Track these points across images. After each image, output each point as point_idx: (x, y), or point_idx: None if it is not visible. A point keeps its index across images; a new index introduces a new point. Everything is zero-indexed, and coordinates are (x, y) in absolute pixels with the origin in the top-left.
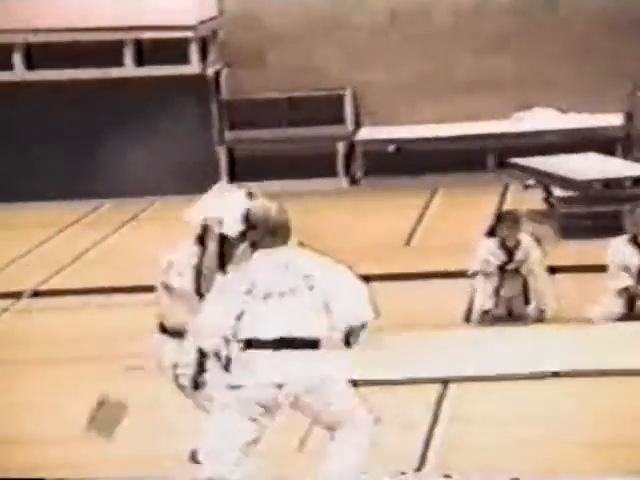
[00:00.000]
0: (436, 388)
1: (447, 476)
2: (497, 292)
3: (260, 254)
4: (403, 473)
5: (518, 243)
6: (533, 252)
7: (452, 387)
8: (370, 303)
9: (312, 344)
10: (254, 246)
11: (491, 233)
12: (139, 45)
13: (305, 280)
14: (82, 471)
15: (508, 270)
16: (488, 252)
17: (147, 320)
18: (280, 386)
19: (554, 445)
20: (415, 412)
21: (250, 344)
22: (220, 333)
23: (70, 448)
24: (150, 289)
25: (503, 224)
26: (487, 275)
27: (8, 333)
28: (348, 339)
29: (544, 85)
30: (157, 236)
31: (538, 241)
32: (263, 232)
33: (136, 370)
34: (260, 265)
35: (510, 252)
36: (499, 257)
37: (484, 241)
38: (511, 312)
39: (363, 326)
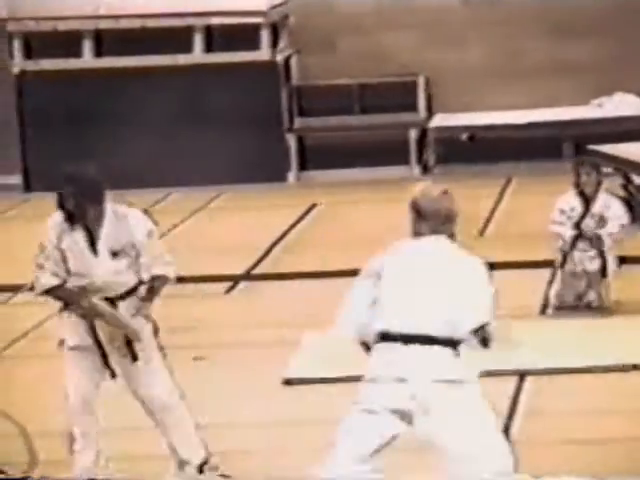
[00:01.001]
0: (513, 381)
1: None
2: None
3: (406, 242)
4: None
5: (596, 193)
6: (613, 205)
7: (529, 380)
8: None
9: (445, 342)
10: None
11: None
12: (209, 31)
13: (436, 275)
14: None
15: (585, 233)
16: (564, 202)
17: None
18: (407, 383)
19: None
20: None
21: (383, 336)
22: (358, 320)
23: None
24: (223, 278)
25: (582, 169)
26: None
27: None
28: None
29: (624, 70)
30: (227, 225)
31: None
32: (430, 221)
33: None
34: (398, 254)
35: (587, 202)
36: (576, 208)
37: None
38: (581, 299)
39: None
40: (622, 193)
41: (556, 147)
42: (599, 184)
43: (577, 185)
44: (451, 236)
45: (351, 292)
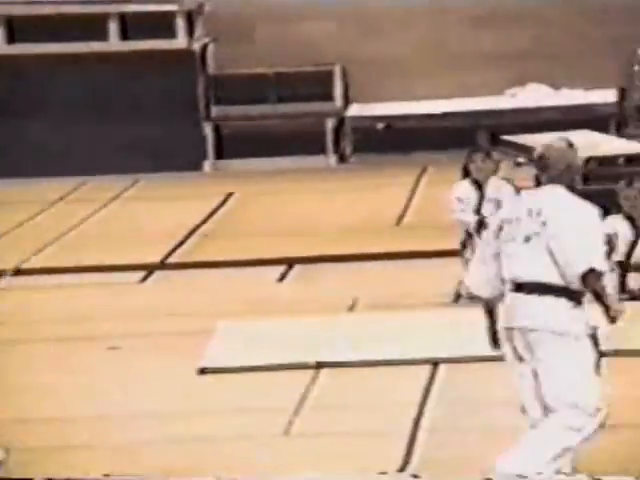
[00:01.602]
0: (426, 369)
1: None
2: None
3: (524, 192)
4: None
5: (487, 178)
6: (504, 188)
7: (442, 368)
8: (599, 255)
9: (560, 291)
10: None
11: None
12: (124, 19)
13: (543, 227)
14: (64, 452)
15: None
16: (459, 190)
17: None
18: (532, 330)
19: None
20: (405, 393)
21: (509, 286)
22: (489, 278)
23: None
24: (137, 267)
25: (475, 156)
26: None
27: None
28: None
29: (538, 61)
30: (142, 215)
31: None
32: (550, 170)
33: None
34: (515, 206)
35: (480, 188)
36: (471, 195)
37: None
38: None
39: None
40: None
41: (471, 136)
42: (494, 171)
43: (469, 173)
44: (570, 187)
45: (479, 251)
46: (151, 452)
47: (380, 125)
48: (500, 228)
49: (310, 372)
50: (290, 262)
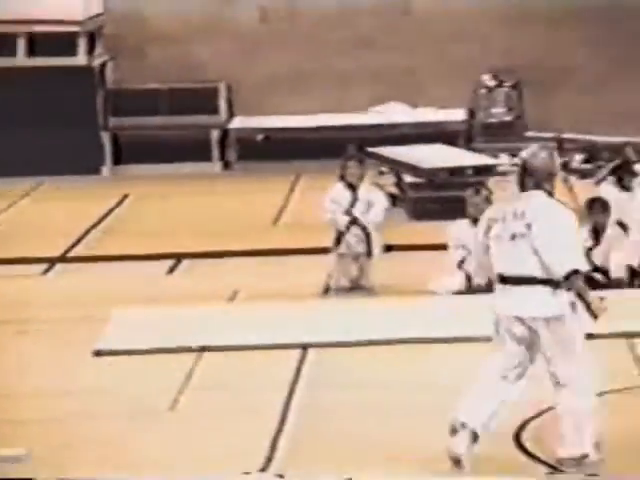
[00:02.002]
0: (297, 353)
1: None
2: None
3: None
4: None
5: (359, 182)
6: (375, 192)
7: (311, 352)
8: (580, 255)
9: (545, 282)
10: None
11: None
12: (31, 38)
13: (527, 229)
14: None
15: (357, 219)
16: (334, 192)
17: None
18: (521, 320)
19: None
20: (278, 374)
21: (499, 279)
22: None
23: None
24: (40, 260)
25: (350, 163)
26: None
27: None
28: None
29: (398, 82)
30: (45, 213)
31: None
32: (534, 176)
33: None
34: (501, 207)
35: (354, 190)
36: (345, 196)
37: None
38: (354, 281)
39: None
40: (395, 189)
41: (341, 148)
42: (362, 176)
43: (343, 177)
44: (549, 192)
45: (475, 245)
46: (41, 428)
47: (260, 136)
48: (489, 227)
49: (194, 355)
50: (178, 257)
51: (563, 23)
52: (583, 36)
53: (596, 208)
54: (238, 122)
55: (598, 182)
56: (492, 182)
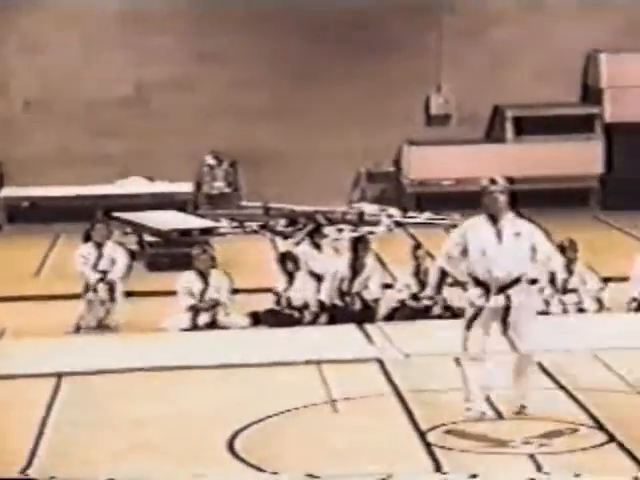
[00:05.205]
0: (52, 381)
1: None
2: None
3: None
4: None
5: (106, 240)
6: (118, 250)
7: (65, 380)
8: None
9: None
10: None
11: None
12: None
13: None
14: None
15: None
16: (83, 249)
17: None
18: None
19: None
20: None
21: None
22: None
23: None
24: None
25: (96, 225)
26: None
27: None
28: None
29: (138, 159)
30: None
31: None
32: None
33: None
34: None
35: (100, 248)
36: (91, 253)
37: None
38: (101, 321)
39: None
40: (136, 246)
41: (92, 212)
42: (109, 236)
43: (89, 237)
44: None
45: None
46: None
47: (25, 203)
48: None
49: None
50: None
51: (269, 118)
52: (283, 129)
53: (288, 260)
54: (7, 191)
55: (297, 242)
56: (214, 241)
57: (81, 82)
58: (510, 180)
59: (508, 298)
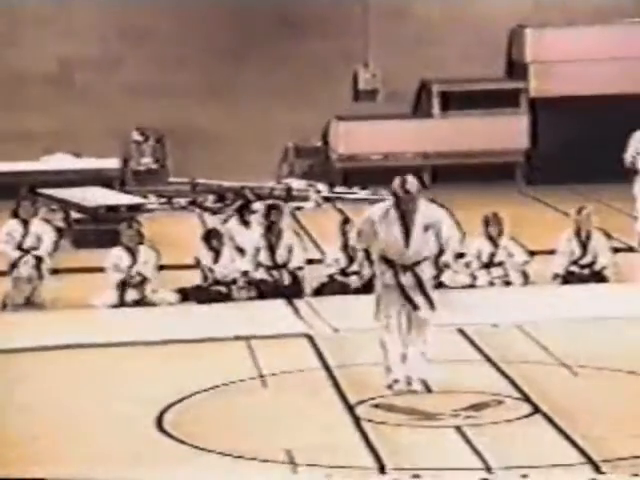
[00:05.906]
0: None
1: None
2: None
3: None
4: None
5: (32, 218)
6: (44, 227)
7: None
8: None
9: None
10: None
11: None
12: None
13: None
14: None
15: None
16: (6, 225)
17: None
18: None
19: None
20: None
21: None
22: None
23: None
24: None
25: (23, 202)
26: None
27: None
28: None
29: (64, 138)
30: None
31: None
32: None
33: None
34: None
35: (26, 225)
36: (16, 230)
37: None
38: (29, 299)
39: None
40: (62, 223)
41: (16, 190)
42: (35, 213)
43: (17, 214)
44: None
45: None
46: None
47: None
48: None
49: None
50: None
51: (197, 96)
52: (212, 106)
53: (212, 237)
54: None
55: (226, 219)
56: (142, 217)
57: (3, 59)
58: (426, 155)
59: (416, 275)
